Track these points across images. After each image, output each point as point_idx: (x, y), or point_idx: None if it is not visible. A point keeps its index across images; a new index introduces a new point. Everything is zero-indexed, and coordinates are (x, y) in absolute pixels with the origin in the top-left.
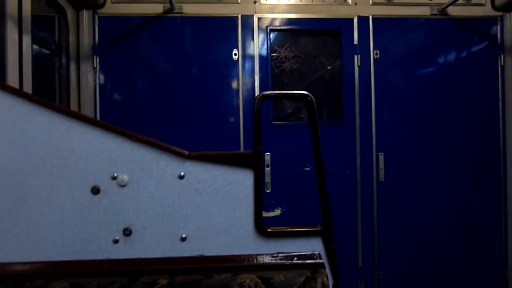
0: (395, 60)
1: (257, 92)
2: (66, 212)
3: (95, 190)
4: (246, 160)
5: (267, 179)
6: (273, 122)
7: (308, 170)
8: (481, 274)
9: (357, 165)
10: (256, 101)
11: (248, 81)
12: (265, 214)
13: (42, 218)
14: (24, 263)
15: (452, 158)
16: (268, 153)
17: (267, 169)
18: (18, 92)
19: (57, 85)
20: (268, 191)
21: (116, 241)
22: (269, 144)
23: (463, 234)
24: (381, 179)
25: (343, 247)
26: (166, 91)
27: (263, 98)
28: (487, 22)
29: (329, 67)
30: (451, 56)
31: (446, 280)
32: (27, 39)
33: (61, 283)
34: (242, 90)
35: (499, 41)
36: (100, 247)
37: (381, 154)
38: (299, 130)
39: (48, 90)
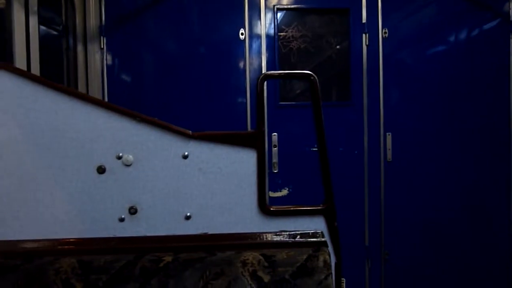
0: (404, 39)
1: (264, 72)
2: (73, 191)
3: (101, 170)
4: (249, 140)
5: (274, 159)
6: (280, 103)
7: (315, 150)
8: (488, 256)
9: (364, 145)
10: (258, 81)
11: (255, 61)
12: (272, 194)
13: (50, 197)
14: (33, 241)
15: (461, 138)
16: (275, 134)
17: (275, 149)
18: (24, 74)
19: (64, 66)
20: (275, 171)
21: (122, 220)
22: (276, 125)
23: (471, 215)
24: (389, 159)
25: (350, 227)
26: (173, 71)
27: (266, 78)
28: None
29: (337, 47)
30: (462, 34)
31: (452, 261)
32: (34, 20)
33: (68, 260)
34: (249, 70)
35: (511, 18)
36: (107, 225)
37: (389, 134)
38: (306, 110)
39: (56, 72)
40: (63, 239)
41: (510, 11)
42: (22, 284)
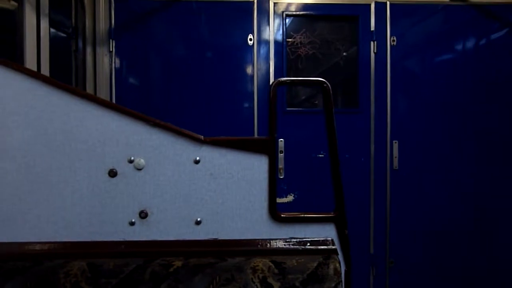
0: (412, 47)
1: (272, 78)
2: (84, 194)
3: (112, 173)
4: (261, 146)
5: (280, 165)
6: (287, 109)
7: (321, 156)
8: (494, 264)
9: (371, 153)
10: (272, 87)
11: (263, 66)
12: (278, 200)
13: (61, 199)
14: (43, 243)
15: (468, 148)
16: (282, 139)
17: (281, 155)
18: (36, 75)
19: (73, 68)
20: (281, 177)
21: (132, 223)
22: (282, 131)
23: (478, 224)
24: (395, 167)
25: (355, 234)
26: (181, 76)
27: (279, 84)
28: (507, 8)
29: (345, 53)
30: (470, 43)
31: (458, 269)
32: (44, 22)
33: (78, 262)
34: (257, 75)
35: None
36: (117, 229)
37: (395, 142)
38: (312, 116)
39: (65, 73)
40: (73, 241)
41: None
42: (32, 287)
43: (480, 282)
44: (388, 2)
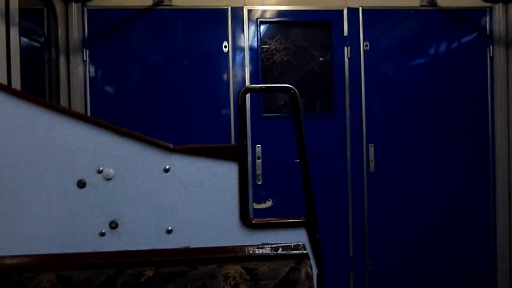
0: (385, 51)
1: (247, 84)
2: (53, 206)
3: (81, 184)
4: (231, 153)
5: (258, 171)
6: (264, 114)
7: (299, 162)
8: (471, 264)
9: (347, 157)
10: (240, 95)
11: (238, 73)
12: (256, 206)
13: (29, 211)
14: (12, 257)
15: (442, 149)
16: (259, 145)
17: (258, 161)
18: (4, 88)
19: (46, 78)
20: (259, 183)
21: (102, 234)
22: (260, 136)
23: (453, 225)
24: (372, 170)
25: (334, 238)
26: (157, 84)
27: (247, 91)
28: (476, 13)
29: (321, 59)
30: (441, 47)
31: (436, 270)
32: (14, 33)
33: (48, 276)
34: (233, 82)
35: (488, 32)
36: (87, 240)
37: (371, 146)
38: (289, 122)
39: (38, 84)
40: (42, 254)
41: (487, 25)
42: None
43: (458, 281)
44: (360, 8)
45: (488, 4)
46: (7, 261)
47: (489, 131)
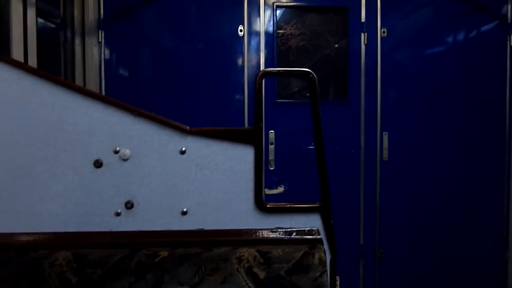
0: (403, 39)
1: (262, 69)
2: (69, 185)
3: (98, 164)
4: (247, 136)
5: (271, 156)
6: (278, 100)
7: (312, 148)
8: (482, 254)
9: (361, 144)
10: (257, 78)
11: (253, 58)
12: (268, 191)
13: (46, 190)
14: (28, 234)
15: (457, 139)
16: (272, 131)
17: (271, 147)
18: (21, 65)
19: (62, 59)
20: (271, 168)
21: (118, 214)
22: (273, 122)
23: (467, 214)
24: (385, 158)
25: (345, 225)
26: (171, 67)
27: (265, 75)
28: (497, 1)
29: (336, 45)
30: (459, 36)
31: (446, 260)
32: (31, 13)
33: (64, 253)
34: (248, 67)
35: (509, 21)
36: (103, 219)
37: (385, 134)
38: (303, 108)
39: (53, 65)
40: (58, 232)
41: (508, 13)
42: (17, 278)
43: (469, 271)
44: None
45: None
46: (24, 238)
47: (506, 120)
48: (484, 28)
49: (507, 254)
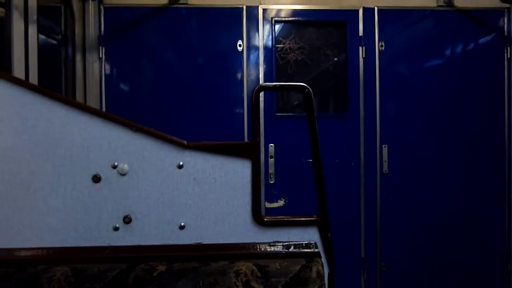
0: (401, 52)
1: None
2: (68, 200)
3: (96, 179)
4: (244, 150)
5: (271, 170)
6: (277, 114)
7: (311, 161)
8: (484, 267)
9: (361, 157)
10: (254, 93)
11: (252, 72)
12: (268, 205)
13: (45, 205)
14: (27, 249)
15: (456, 151)
16: (272, 144)
17: (271, 160)
18: (21, 83)
19: (63, 75)
20: (271, 182)
21: (116, 229)
22: (273, 135)
23: (467, 227)
24: (385, 171)
25: (346, 238)
26: (171, 82)
27: (261, 89)
28: (494, 14)
29: (335, 59)
30: (457, 48)
31: (449, 273)
32: (33, 30)
33: (62, 268)
34: (247, 81)
35: (506, 33)
36: (101, 234)
37: (385, 146)
38: (302, 121)
39: (55, 81)
40: (57, 247)
41: (505, 26)
42: None
43: (471, 285)
44: (376, 8)
45: (507, 5)
46: (22, 253)
47: (505, 133)
48: (482, 40)
49: (510, 266)
